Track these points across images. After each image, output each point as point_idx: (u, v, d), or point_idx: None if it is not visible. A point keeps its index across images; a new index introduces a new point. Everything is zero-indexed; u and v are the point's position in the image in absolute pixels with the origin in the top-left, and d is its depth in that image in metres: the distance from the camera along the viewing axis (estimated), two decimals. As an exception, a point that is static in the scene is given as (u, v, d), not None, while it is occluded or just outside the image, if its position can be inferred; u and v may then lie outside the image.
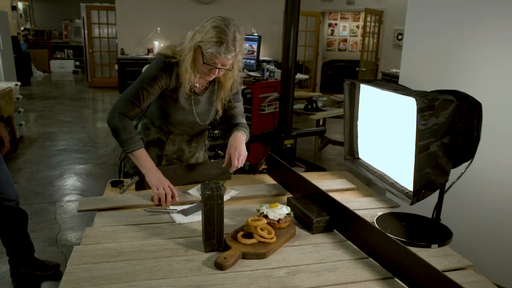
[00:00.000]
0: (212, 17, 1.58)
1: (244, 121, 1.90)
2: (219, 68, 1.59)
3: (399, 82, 2.57)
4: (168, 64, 1.65)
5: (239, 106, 1.89)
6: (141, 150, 1.64)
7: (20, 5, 12.89)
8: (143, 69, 1.80)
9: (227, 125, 1.91)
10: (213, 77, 1.65)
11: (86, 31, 10.19)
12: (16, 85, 5.41)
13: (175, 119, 1.78)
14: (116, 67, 9.40)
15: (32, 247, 2.57)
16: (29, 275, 2.56)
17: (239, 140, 1.73)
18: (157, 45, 9.47)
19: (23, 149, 5.21)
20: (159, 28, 9.41)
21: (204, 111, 1.82)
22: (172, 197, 1.58)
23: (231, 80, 1.73)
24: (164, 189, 1.57)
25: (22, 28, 12.73)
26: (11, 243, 2.48)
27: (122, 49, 9.42)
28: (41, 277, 2.59)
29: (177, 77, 1.68)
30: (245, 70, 4.93)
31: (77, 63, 13.17)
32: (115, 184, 1.74)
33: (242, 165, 1.69)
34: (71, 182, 4.25)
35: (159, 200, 1.57)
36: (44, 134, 5.90)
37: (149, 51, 9.46)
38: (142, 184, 1.70)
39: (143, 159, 1.64)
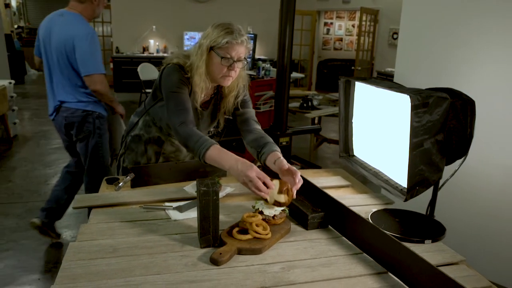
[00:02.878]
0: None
1: (258, 126, 1.76)
2: (236, 62, 1.58)
3: (394, 81, 2.59)
4: (182, 67, 1.63)
5: (251, 111, 1.80)
6: (211, 150, 1.45)
7: (13, 3, 12.81)
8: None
9: (243, 132, 1.75)
10: (231, 77, 1.62)
11: (81, 29, 10.12)
12: (10, 83, 5.38)
13: None
14: (111, 65, 9.37)
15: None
16: (49, 228, 2.90)
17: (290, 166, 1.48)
18: (153, 43, 9.44)
19: (18, 148, 5.19)
20: (154, 27, 9.39)
21: (207, 126, 1.84)
22: (267, 185, 1.33)
23: (235, 91, 1.72)
24: (252, 182, 1.33)
25: (15, 26, 12.66)
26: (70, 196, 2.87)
27: (117, 47, 9.38)
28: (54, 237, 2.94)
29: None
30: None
31: (72, 61, 13.08)
32: (110, 181, 1.74)
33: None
34: (66, 180, 4.22)
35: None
36: (39, 133, 5.87)
37: (145, 49, 9.43)
38: (137, 181, 1.70)
39: (219, 158, 1.44)
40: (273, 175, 1.47)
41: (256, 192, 1.33)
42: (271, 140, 1.65)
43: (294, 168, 1.43)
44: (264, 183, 1.33)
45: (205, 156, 1.46)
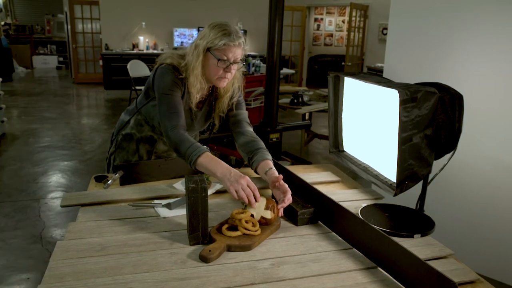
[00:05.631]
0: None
1: (251, 128, 1.75)
2: (232, 64, 1.57)
3: (384, 76, 2.60)
4: (176, 68, 1.62)
5: (244, 113, 1.79)
6: (203, 157, 1.46)
7: None
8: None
9: (235, 134, 1.74)
10: (227, 79, 1.62)
11: (69, 26, 10.05)
12: (-2, 81, 5.32)
13: None
14: (101, 62, 9.30)
15: None
16: None
17: (280, 177, 1.46)
18: (142, 40, 9.38)
19: (6, 146, 5.13)
20: (144, 23, 9.32)
21: (200, 126, 1.83)
22: (255, 198, 1.34)
23: (230, 92, 1.72)
24: (243, 190, 1.34)
25: (2, 23, 12.49)
26: None
27: (106, 44, 9.31)
28: None
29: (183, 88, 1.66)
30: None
31: (61, 58, 12.98)
32: (99, 179, 1.73)
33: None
34: (55, 179, 4.19)
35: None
36: (27, 131, 5.81)
37: (134, 46, 9.37)
38: (126, 179, 1.68)
39: (210, 166, 1.44)
40: None
41: (245, 199, 1.34)
42: (263, 145, 1.66)
43: (286, 185, 1.43)
44: (254, 195, 1.34)
45: (196, 162, 1.46)
